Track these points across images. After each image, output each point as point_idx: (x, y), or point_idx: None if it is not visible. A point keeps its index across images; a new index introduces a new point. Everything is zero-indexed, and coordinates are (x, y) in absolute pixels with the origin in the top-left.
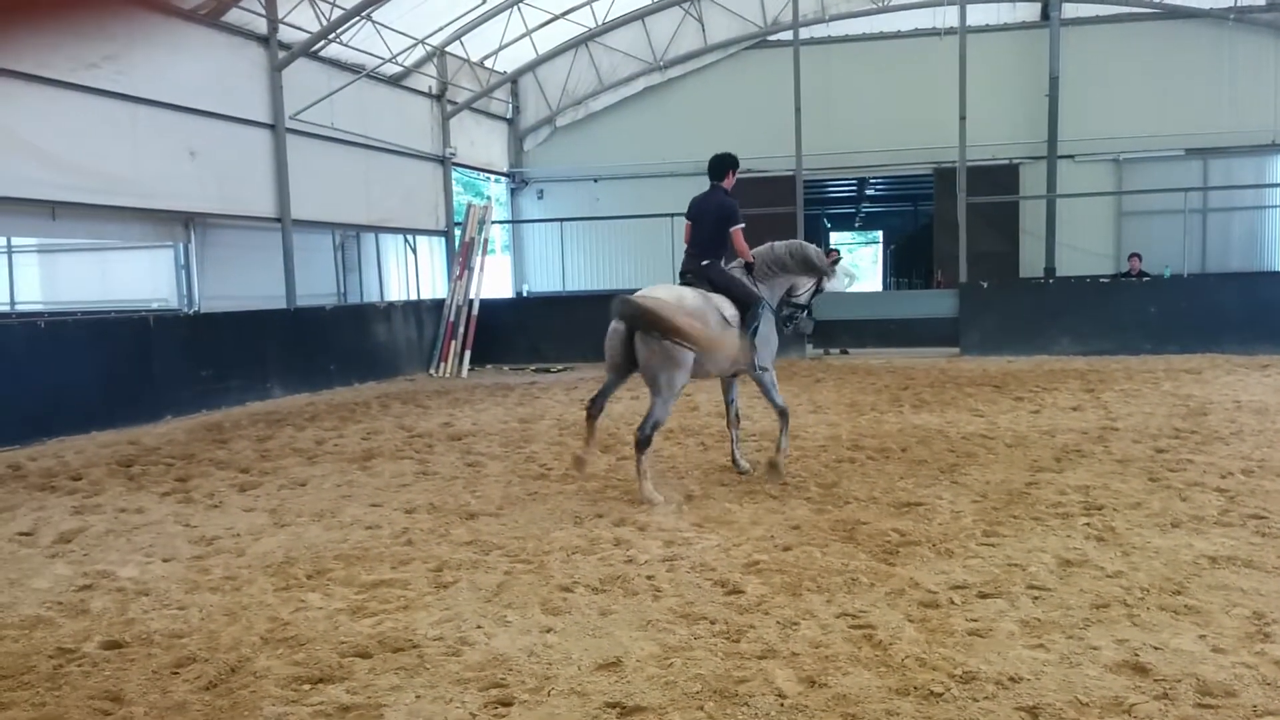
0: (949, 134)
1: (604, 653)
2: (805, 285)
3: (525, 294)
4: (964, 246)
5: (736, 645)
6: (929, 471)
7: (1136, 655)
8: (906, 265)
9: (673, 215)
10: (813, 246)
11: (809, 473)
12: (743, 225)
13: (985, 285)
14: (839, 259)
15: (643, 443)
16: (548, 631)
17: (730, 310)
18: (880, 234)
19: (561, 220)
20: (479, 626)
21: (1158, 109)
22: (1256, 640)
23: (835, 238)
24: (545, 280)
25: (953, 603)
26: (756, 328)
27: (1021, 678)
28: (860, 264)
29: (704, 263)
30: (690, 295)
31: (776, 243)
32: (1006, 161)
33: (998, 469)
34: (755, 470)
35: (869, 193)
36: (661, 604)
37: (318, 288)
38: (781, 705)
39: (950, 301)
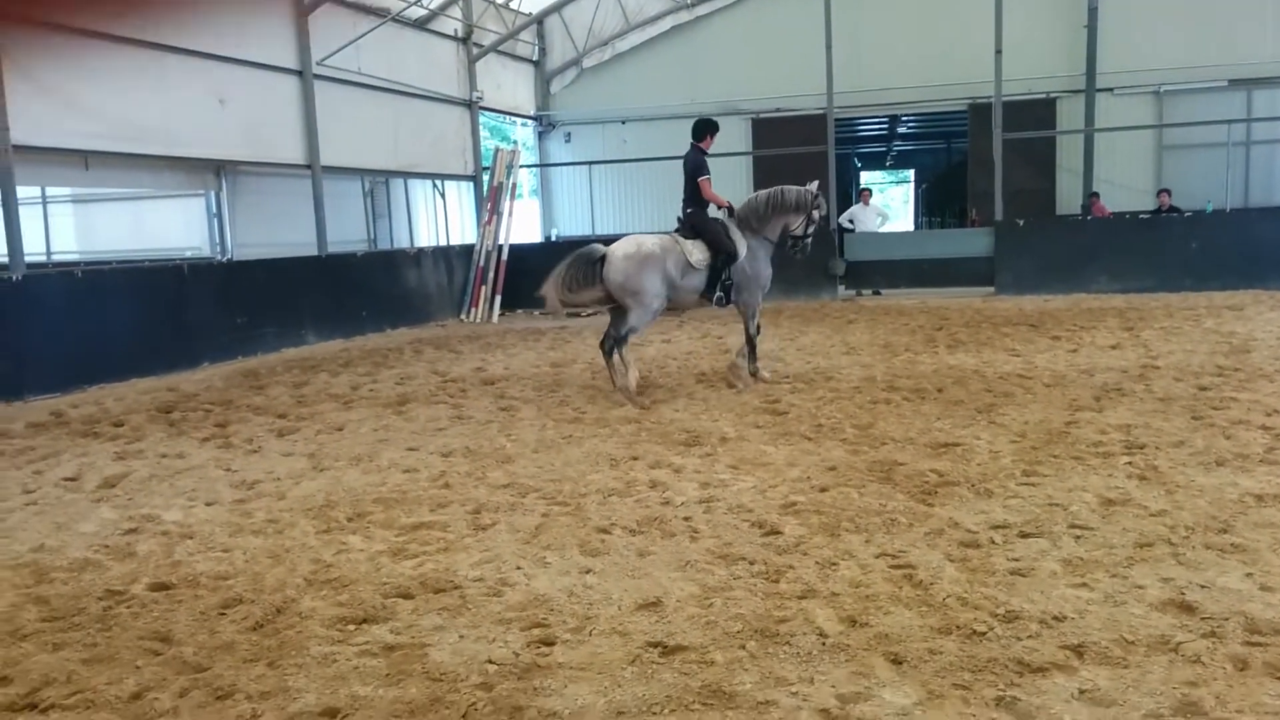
0: (984, 68)
1: (644, 593)
2: (797, 221)
3: (554, 238)
4: (999, 184)
5: (776, 585)
6: (966, 412)
7: (1182, 594)
8: (939, 204)
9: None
10: (793, 189)
11: (844, 414)
12: (707, 177)
13: (1021, 223)
14: (818, 195)
15: (620, 340)
16: (587, 572)
17: (699, 254)
18: (912, 172)
19: (589, 163)
20: (518, 568)
21: (1199, 38)
22: None
23: (866, 177)
24: (574, 224)
25: (993, 542)
26: (733, 262)
27: (1065, 616)
28: (892, 203)
29: (688, 210)
30: (651, 240)
31: (759, 192)
32: (1043, 96)
33: (1036, 409)
34: (773, 379)
35: (901, 130)
36: (699, 545)
37: (348, 234)
38: (823, 644)
39: (985, 240)
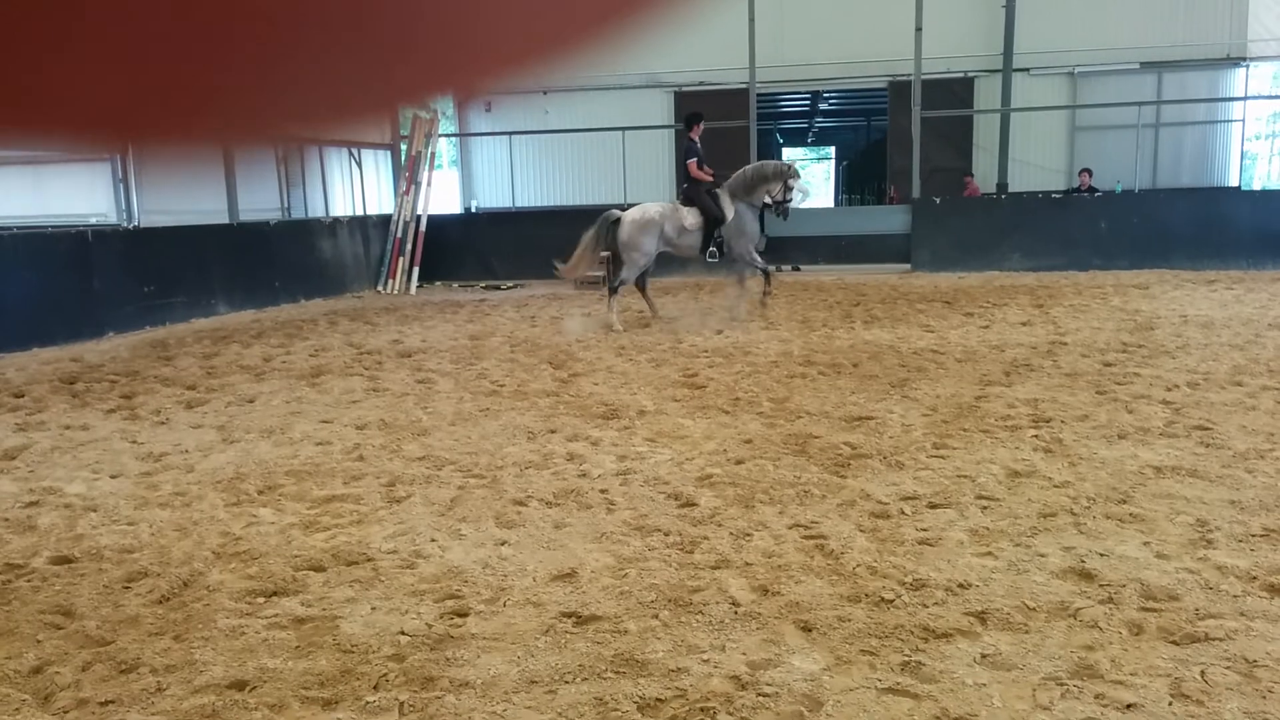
0: (904, 46)
1: (558, 564)
2: (776, 188)
3: (474, 210)
4: (917, 161)
5: (690, 556)
6: (880, 386)
7: (1082, 562)
8: (859, 181)
9: (624, 129)
10: (771, 163)
11: (761, 388)
12: (694, 159)
13: (938, 201)
14: (793, 167)
15: (612, 290)
16: (502, 544)
17: (692, 219)
18: (833, 150)
19: (510, 134)
20: (433, 540)
21: (1113, 21)
22: (1199, 546)
23: (788, 153)
24: (495, 196)
25: (903, 513)
26: (720, 224)
27: (970, 584)
28: (813, 180)
29: (683, 185)
30: (655, 207)
31: (746, 167)
32: (961, 75)
33: (948, 383)
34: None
35: (822, 107)
36: (615, 517)
37: (261, 203)
38: (735, 613)
39: (903, 217)
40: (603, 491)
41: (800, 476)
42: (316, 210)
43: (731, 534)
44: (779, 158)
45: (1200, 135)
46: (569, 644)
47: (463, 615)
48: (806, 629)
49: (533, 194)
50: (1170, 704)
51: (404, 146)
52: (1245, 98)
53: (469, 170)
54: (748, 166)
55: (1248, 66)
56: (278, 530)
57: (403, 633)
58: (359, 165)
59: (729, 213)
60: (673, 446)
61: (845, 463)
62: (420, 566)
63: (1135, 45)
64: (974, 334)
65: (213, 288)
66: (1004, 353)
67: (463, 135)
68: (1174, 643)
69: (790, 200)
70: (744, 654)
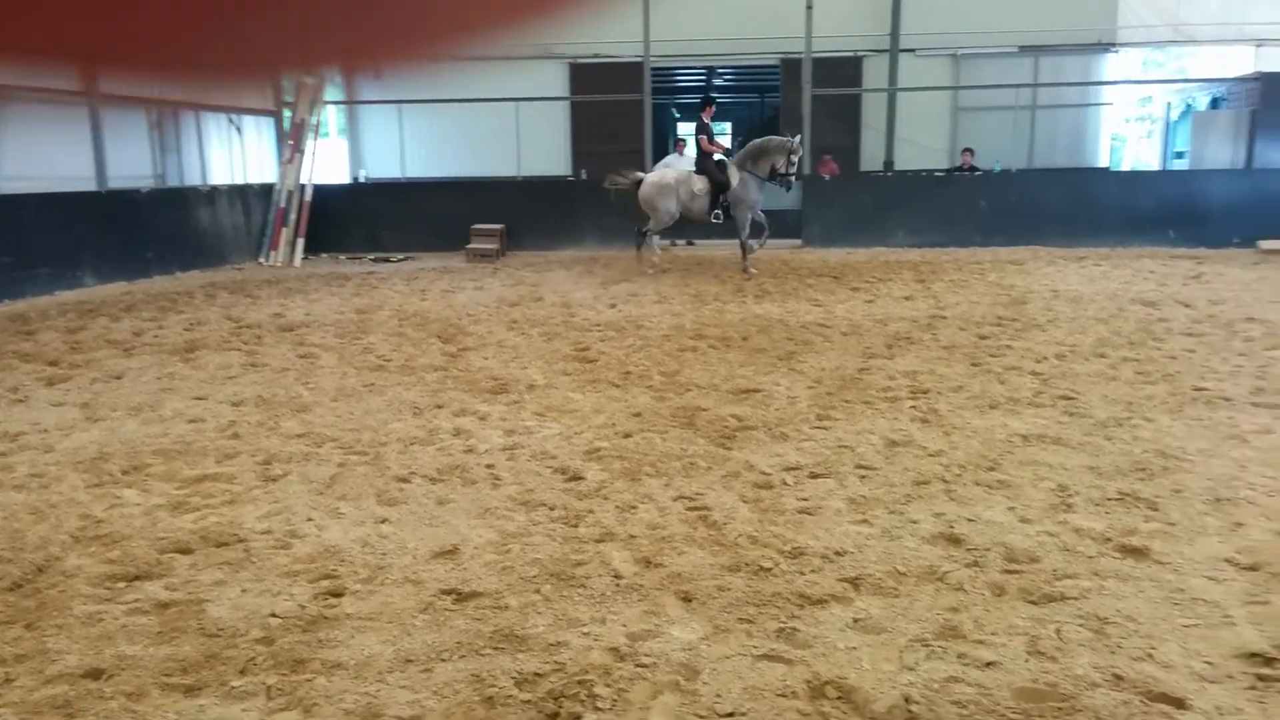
0: (795, 24)
1: (440, 541)
2: (780, 160)
3: (363, 180)
4: (808, 139)
5: (575, 530)
6: (768, 359)
7: (952, 527)
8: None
9: (519, 100)
10: (776, 138)
11: (652, 361)
12: (703, 135)
13: (827, 178)
14: (795, 140)
15: (643, 236)
16: (382, 522)
17: (700, 186)
18: (729, 125)
19: (400, 102)
20: (310, 519)
21: (994, 5)
22: (1060, 511)
23: (683, 128)
24: (385, 165)
25: (785, 483)
26: (725, 191)
27: (846, 551)
28: None
29: (697, 157)
30: (672, 173)
31: (754, 141)
32: (850, 54)
33: (833, 356)
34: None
35: (717, 83)
36: (501, 492)
37: (132, 170)
38: (617, 585)
39: (793, 194)
40: (489, 467)
41: (687, 449)
42: (193, 178)
43: (617, 507)
44: (674, 132)
45: (1073, 118)
46: (447, 621)
47: (338, 595)
48: (687, 599)
49: (424, 164)
50: (1027, 661)
51: (287, 113)
52: (1115, 82)
53: (357, 139)
54: (755, 140)
55: (1118, 52)
56: (143, 512)
57: (273, 615)
58: (239, 131)
59: (734, 180)
60: (562, 421)
61: (731, 435)
62: (295, 546)
63: (1014, 29)
64: (859, 308)
65: (79, 259)
66: (887, 326)
67: (350, 103)
68: (1033, 602)
69: (793, 172)
70: (624, 626)
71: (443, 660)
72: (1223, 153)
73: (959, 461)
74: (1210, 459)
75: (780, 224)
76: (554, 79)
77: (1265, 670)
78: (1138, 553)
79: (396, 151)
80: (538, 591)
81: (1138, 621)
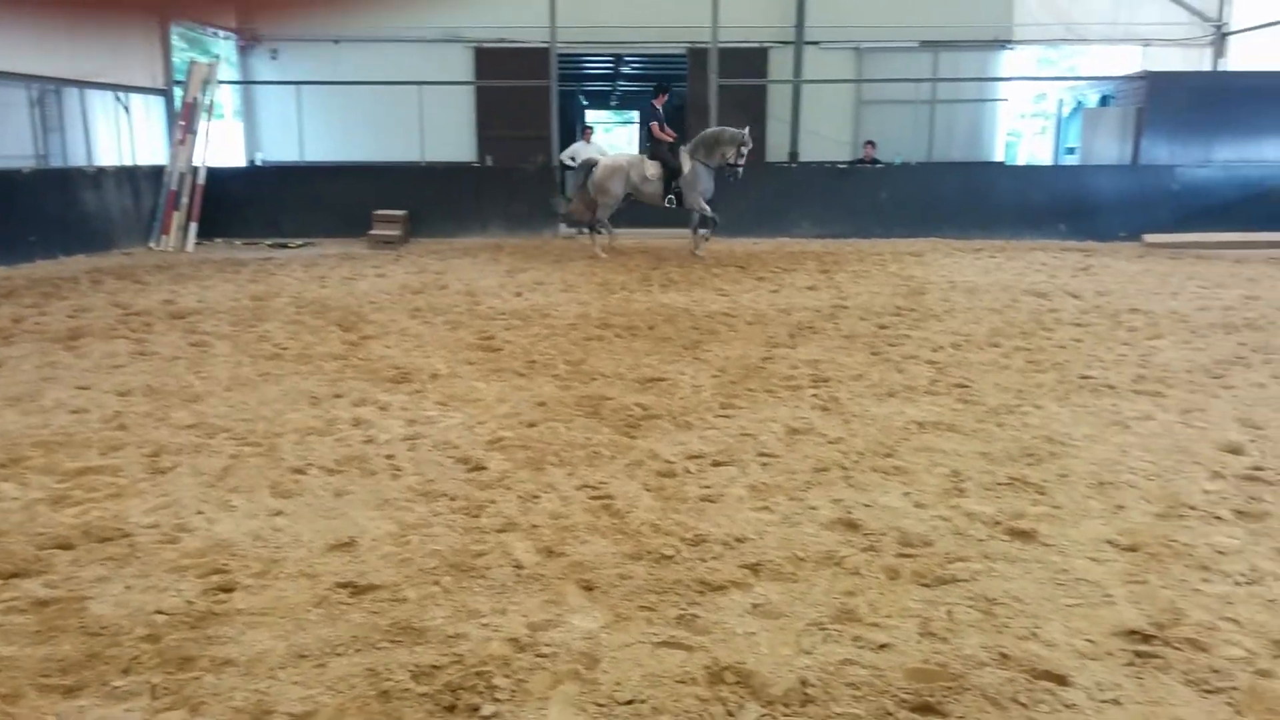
0: (702, 14)
1: (337, 533)
2: (731, 151)
3: (259, 162)
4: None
5: (476, 520)
6: (673, 348)
7: (849, 513)
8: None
9: (421, 84)
10: (729, 130)
11: (558, 350)
12: (655, 122)
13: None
14: (746, 133)
15: (593, 229)
16: (277, 515)
17: (652, 170)
18: (637, 114)
19: (298, 83)
20: (200, 512)
21: (896, 1)
22: (953, 495)
23: (591, 116)
24: (282, 149)
25: (688, 471)
26: (677, 177)
27: (746, 538)
28: (617, 144)
29: (648, 143)
30: (625, 157)
31: (706, 130)
32: (756, 45)
33: (737, 345)
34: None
35: (625, 71)
36: (401, 483)
37: (12, 149)
38: (518, 575)
39: None
40: (389, 457)
41: (591, 438)
42: (78, 158)
43: (520, 497)
44: (582, 120)
45: (970, 113)
46: (343, 615)
47: (228, 590)
48: (588, 588)
49: (324, 148)
50: (919, 642)
51: (179, 92)
52: (1010, 78)
53: (253, 121)
54: (708, 130)
55: (1014, 49)
56: (21, 506)
57: (159, 612)
58: (127, 110)
59: (685, 167)
60: (465, 410)
61: (636, 424)
62: (184, 541)
63: (914, 25)
64: (764, 298)
65: None
66: (790, 316)
67: (246, 83)
68: (925, 585)
69: (742, 164)
70: (525, 616)
71: (337, 655)
72: (1111, 149)
73: (857, 449)
74: (1094, 444)
75: (687, 213)
76: (458, 63)
77: (1142, 647)
78: (1025, 535)
79: (295, 134)
80: (437, 583)
81: (1024, 602)
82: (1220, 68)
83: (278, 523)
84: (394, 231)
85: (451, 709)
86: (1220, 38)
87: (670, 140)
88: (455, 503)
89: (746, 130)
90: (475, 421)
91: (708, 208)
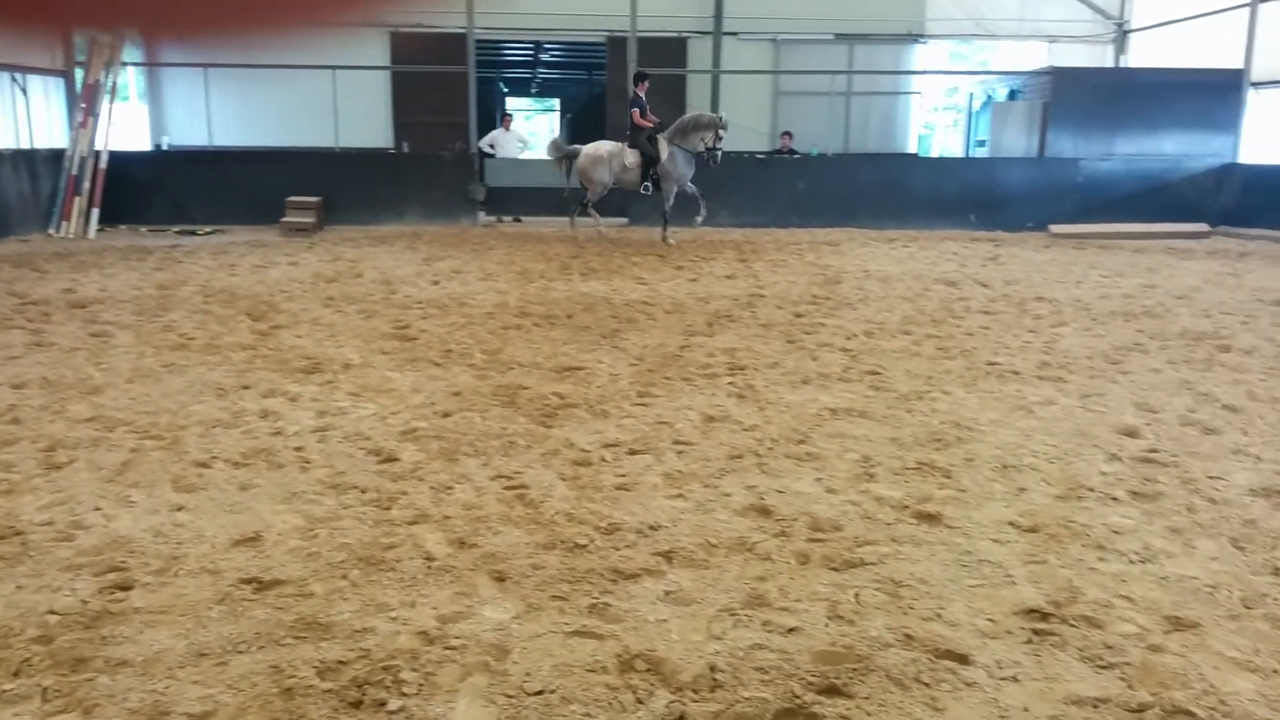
0: (621, 3)
1: (241, 528)
2: (709, 136)
3: (166, 148)
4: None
5: (387, 513)
6: (591, 337)
7: (762, 499)
8: (584, 134)
9: (335, 68)
10: (706, 115)
11: (475, 340)
12: (636, 109)
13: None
14: (722, 118)
15: (583, 206)
16: (179, 510)
17: (631, 159)
18: (557, 102)
19: (206, 66)
20: (97, 509)
21: None
22: (863, 480)
23: (512, 103)
24: (190, 133)
25: (604, 460)
26: (655, 164)
27: (660, 525)
28: (537, 132)
29: (628, 131)
30: (606, 145)
31: (684, 116)
32: (675, 35)
33: (655, 333)
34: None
35: (544, 58)
36: (309, 475)
37: None
38: (429, 567)
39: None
40: (298, 449)
41: (507, 428)
42: None
43: (432, 488)
44: (502, 107)
45: (885, 105)
46: (246, 612)
47: (126, 589)
48: (500, 579)
49: (234, 133)
50: (827, 625)
51: (80, 74)
52: (921, 71)
53: (159, 104)
54: (685, 116)
55: (926, 43)
56: None
57: (52, 612)
58: (24, 92)
59: (664, 154)
60: (378, 401)
61: (553, 413)
62: (79, 538)
63: (830, 18)
64: (683, 286)
65: None
66: (708, 304)
67: (151, 65)
68: (834, 569)
69: (720, 148)
70: (435, 608)
71: (239, 653)
72: (1019, 142)
73: (771, 435)
74: (999, 429)
75: (608, 202)
76: (374, 48)
77: (1040, 625)
78: (931, 519)
79: (203, 118)
80: (345, 577)
81: (929, 583)
82: (1122, 64)
83: (179, 518)
84: (308, 219)
85: (357, 705)
86: (1122, 35)
87: (651, 127)
88: (366, 495)
89: (723, 114)
90: (388, 412)
91: (690, 186)
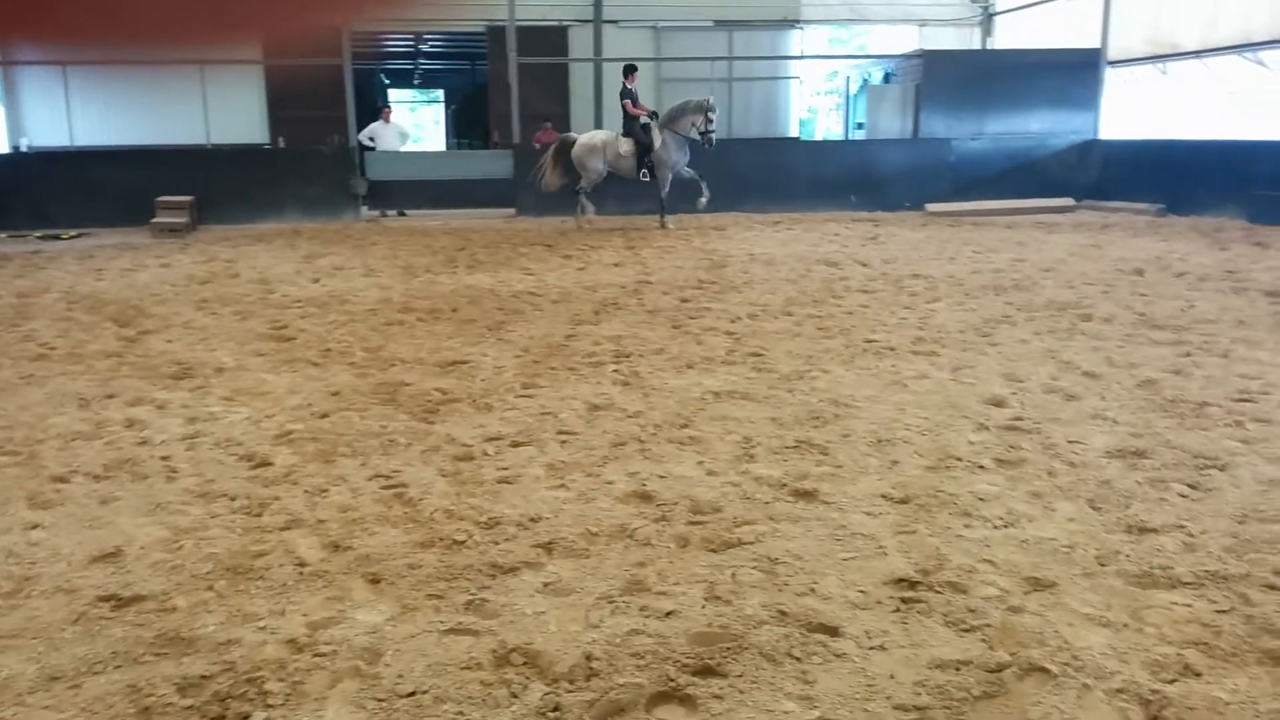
0: None
1: (101, 544)
2: (699, 119)
3: (25, 149)
4: (516, 107)
5: (258, 519)
6: (477, 330)
7: (644, 485)
8: (468, 125)
9: (202, 63)
10: (695, 99)
11: (356, 337)
12: (628, 100)
13: (538, 146)
14: (709, 100)
15: (580, 192)
16: (33, 528)
17: (626, 147)
18: (441, 93)
19: (64, 64)
20: None
21: None
22: (743, 461)
23: (395, 95)
24: (51, 134)
25: (486, 454)
26: (650, 152)
27: (541, 517)
28: (421, 123)
29: (624, 121)
30: (601, 135)
31: (674, 103)
32: (556, 23)
33: (542, 324)
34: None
35: (425, 49)
36: (176, 485)
37: None
38: (301, 574)
39: (506, 162)
40: (164, 459)
41: (387, 426)
42: None
43: (307, 492)
44: (384, 99)
45: (766, 90)
46: (103, 631)
47: None
48: (375, 581)
49: (97, 132)
50: (704, 606)
51: None
52: (797, 56)
53: (16, 105)
54: (675, 103)
55: (804, 29)
56: None
57: None
58: None
59: (657, 142)
60: (252, 404)
61: (435, 409)
62: None
63: (709, 4)
64: (570, 276)
65: None
66: (596, 293)
67: (6, 63)
68: (713, 550)
69: (713, 130)
70: (305, 615)
71: (94, 674)
72: (894, 124)
73: (655, 421)
74: (875, 404)
75: (494, 193)
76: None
77: (908, 593)
78: (808, 495)
79: (63, 118)
80: (210, 588)
81: (804, 559)
82: (989, 46)
83: (34, 536)
84: (180, 219)
85: (220, 719)
86: (988, 18)
87: (644, 116)
88: (236, 502)
89: (710, 98)
90: (262, 415)
91: (686, 170)
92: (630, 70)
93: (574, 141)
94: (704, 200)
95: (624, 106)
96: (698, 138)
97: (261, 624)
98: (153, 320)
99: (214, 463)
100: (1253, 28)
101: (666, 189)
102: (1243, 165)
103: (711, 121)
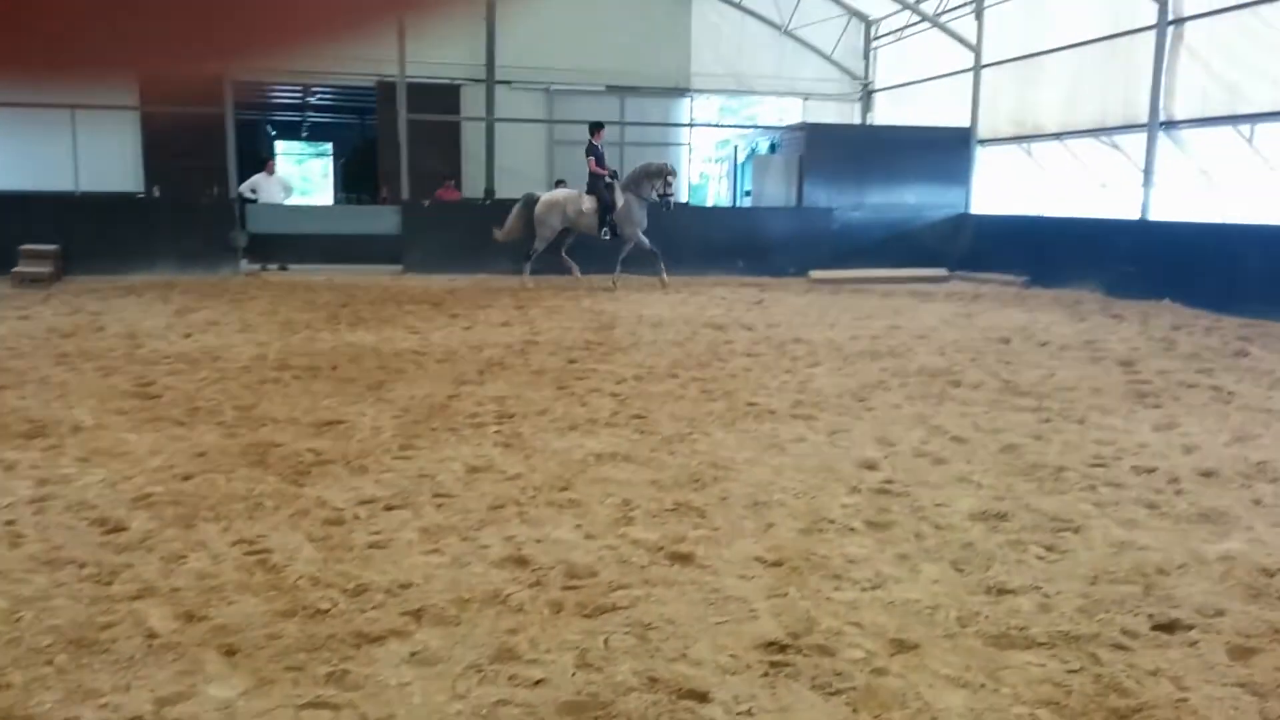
0: (391, 47)
1: None
2: (658, 182)
3: None
4: (405, 164)
5: (107, 588)
6: (356, 389)
7: (520, 549)
8: (357, 180)
9: (73, 107)
10: (655, 163)
11: (226, 395)
12: (593, 158)
13: (426, 204)
14: (668, 165)
15: (528, 256)
16: None
17: (588, 204)
18: (330, 146)
19: None
20: None
21: (584, 46)
22: (621, 525)
23: (281, 146)
24: None
25: (357, 518)
26: (612, 211)
27: (412, 583)
28: (309, 176)
29: (589, 179)
30: (562, 192)
31: (637, 166)
32: (448, 81)
33: (424, 384)
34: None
35: (314, 101)
36: (20, 552)
37: None
38: (150, 646)
39: (394, 218)
40: (8, 523)
41: (254, 489)
42: None
43: (163, 558)
44: (271, 151)
45: (657, 156)
46: None
47: None
48: (230, 653)
49: (16, 176)
50: (574, 674)
51: None
52: (685, 124)
53: None
54: (638, 165)
55: (693, 97)
56: None
57: None
58: None
59: (619, 202)
60: (109, 465)
61: (306, 470)
62: None
63: (601, 69)
64: (456, 335)
65: None
66: (481, 352)
67: None
68: (587, 616)
69: (671, 194)
70: (152, 690)
71: None
72: (780, 192)
73: (535, 483)
74: (754, 467)
75: (381, 249)
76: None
77: (778, 657)
78: (684, 558)
79: None
80: (50, 663)
81: (676, 624)
82: (869, 121)
83: None
84: (43, 269)
85: None
86: (867, 95)
87: (606, 175)
88: (84, 570)
89: (668, 162)
90: (120, 477)
91: (645, 240)
92: (597, 127)
93: (538, 199)
94: (663, 280)
95: (589, 164)
96: (657, 199)
97: (103, 701)
98: (6, 375)
99: (63, 528)
100: (1108, 112)
101: (629, 247)
102: (1100, 241)
103: (670, 185)
